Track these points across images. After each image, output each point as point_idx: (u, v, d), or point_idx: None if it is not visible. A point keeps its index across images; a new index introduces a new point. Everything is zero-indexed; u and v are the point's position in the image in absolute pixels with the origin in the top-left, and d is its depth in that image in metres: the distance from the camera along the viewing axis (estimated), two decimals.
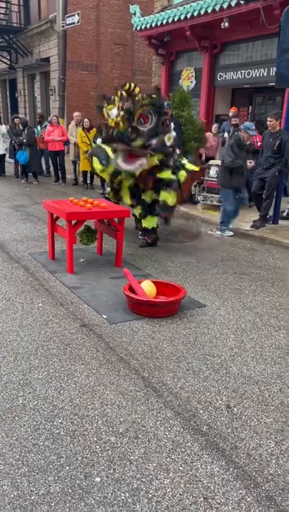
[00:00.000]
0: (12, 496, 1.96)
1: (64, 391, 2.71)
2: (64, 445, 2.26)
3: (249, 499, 1.97)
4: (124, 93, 5.17)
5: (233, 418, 2.52)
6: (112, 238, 5.21)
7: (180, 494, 1.99)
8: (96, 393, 2.70)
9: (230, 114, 8.95)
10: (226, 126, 9.18)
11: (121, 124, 5.09)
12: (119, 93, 5.24)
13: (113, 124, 5.15)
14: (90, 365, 3.01)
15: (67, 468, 2.12)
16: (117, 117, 5.09)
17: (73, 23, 12.33)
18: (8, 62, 20.01)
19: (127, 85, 5.17)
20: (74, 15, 12.24)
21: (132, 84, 5.20)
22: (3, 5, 18.56)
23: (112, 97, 5.31)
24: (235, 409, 2.60)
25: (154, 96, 5.32)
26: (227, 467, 2.16)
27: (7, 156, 12.27)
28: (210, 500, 1.96)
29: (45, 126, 11.66)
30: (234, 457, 2.22)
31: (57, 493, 1.97)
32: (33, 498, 1.95)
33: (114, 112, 5.12)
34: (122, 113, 5.07)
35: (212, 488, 2.03)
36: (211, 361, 3.11)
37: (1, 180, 11.80)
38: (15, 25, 18.89)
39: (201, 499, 1.97)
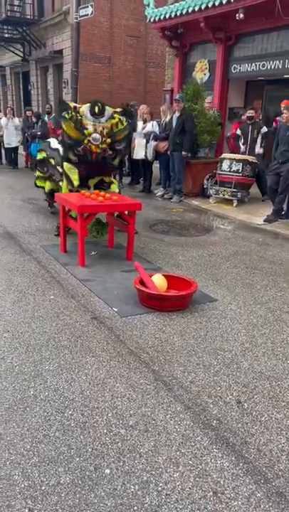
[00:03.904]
0: (23, 485, 1.98)
1: (75, 383, 2.72)
2: (74, 436, 2.28)
3: (259, 494, 1.97)
4: (96, 111, 5.13)
5: (243, 413, 2.51)
6: (123, 231, 5.20)
7: (189, 488, 1.99)
8: (106, 386, 2.71)
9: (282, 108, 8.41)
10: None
11: (107, 149, 5.20)
12: (82, 110, 5.17)
13: (96, 150, 5.14)
14: (100, 357, 3.02)
15: (78, 459, 2.13)
16: (102, 144, 5.13)
17: (86, 14, 12.24)
18: (22, 55, 19.99)
19: (97, 108, 5.13)
20: (87, 6, 12.14)
21: (100, 105, 5.18)
22: None
23: (73, 112, 5.14)
24: (245, 404, 2.59)
25: (126, 111, 5.42)
26: (237, 462, 2.15)
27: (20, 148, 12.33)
28: (219, 494, 1.96)
29: (54, 117, 11.63)
30: (244, 452, 2.22)
31: (67, 484, 1.99)
32: (43, 488, 1.97)
33: (96, 136, 5.09)
34: (108, 140, 5.15)
35: (222, 482, 2.03)
36: (221, 356, 3.10)
37: (13, 173, 11.86)
38: (28, 17, 18.85)
39: (211, 493, 1.96)
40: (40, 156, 6.77)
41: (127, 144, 5.61)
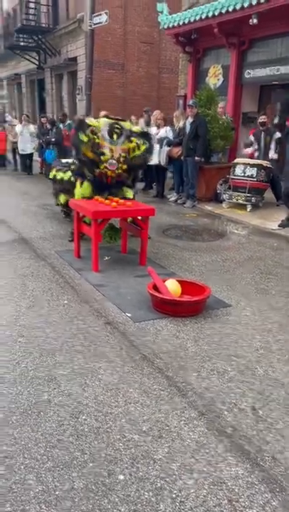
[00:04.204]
0: (37, 490, 1.98)
1: (88, 388, 2.73)
2: (88, 442, 2.28)
3: (274, 503, 1.94)
4: (114, 138, 5.10)
5: (258, 420, 2.48)
6: (137, 237, 5.21)
7: (204, 495, 1.97)
8: (120, 391, 2.71)
9: None
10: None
11: (123, 173, 5.22)
12: (99, 126, 5.12)
13: (111, 174, 5.15)
14: (114, 362, 3.02)
15: (91, 464, 2.13)
16: (118, 169, 5.14)
17: (101, 22, 12.38)
18: (37, 63, 20.27)
19: (115, 135, 5.10)
20: (101, 14, 12.28)
21: (118, 130, 5.13)
22: (33, 5, 18.81)
23: (90, 134, 5.06)
24: (260, 411, 2.56)
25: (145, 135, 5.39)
26: (252, 470, 2.13)
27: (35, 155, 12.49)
28: (234, 502, 1.94)
29: (69, 124, 11.75)
30: (259, 460, 2.19)
31: (81, 489, 1.99)
32: (57, 493, 1.97)
33: (113, 162, 5.07)
34: (124, 166, 5.15)
35: (236, 490, 2.00)
36: (236, 362, 3.08)
37: (28, 179, 12.00)
38: (43, 25, 19.13)
39: (225, 501, 1.94)
40: (51, 175, 6.57)
41: (143, 165, 5.61)
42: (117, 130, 5.12)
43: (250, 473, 2.10)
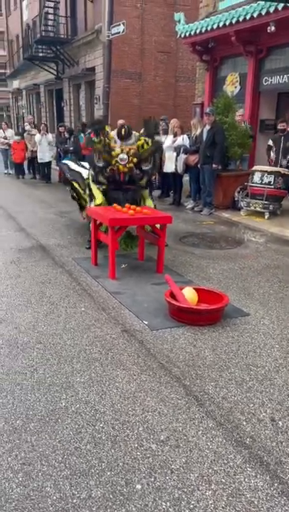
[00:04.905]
0: (54, 498, 1.98)
1: (105, 396, 2.73)
2: (105, 450, 2.27)
3: None
4: (122, 133, 5.45)
5: (277, 431, 2.44)
6: (154, 244, 5.21)
7: (222, 507, 1.94)
8: (137, 399, 2.69)
9: None
10: None
11: (134, 169, 5.43)
12: (111, 135, 5.52)
13: (123, 169, 5.38)
14: (131, 370, 3.02)
15: (109, 473, 2.12)
16: (129, 163, 5.37)
17: (118, 32, 12.52)
18: (55, 73, 20.63)
19: (123, 130, 5.45)
20: (119, 24, 12.43)
21: (126, 128, 5.50)
22: (52, 17, 19.19)
23: (102, 136, 5.43)
24: (280, 422, 2.51)
25: (149, 132, 5.62)
26: (271, 482, 2.09)
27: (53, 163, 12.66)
28: None
29: (89, 133, 11.88)
30: (279, 472, 2.15)
31: (98, 498, 1.98)
32: (74, 501, 1.96)
33: (123, 156, 5.35)
34: (134, 159, 5.38)
35: (255, 502, 1.97)
36: (254, 372, 3.04)
37: (46, 187, 12.16)
38: (62, 36, 19.48)
39: None
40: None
41: (154, 165, 5.80)
42: (124, 130, 5.47)
43: (269, 486, 2.06)
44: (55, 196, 10.37)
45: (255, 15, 8.77)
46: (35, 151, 13.02)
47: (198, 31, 10.58)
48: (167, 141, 9.09)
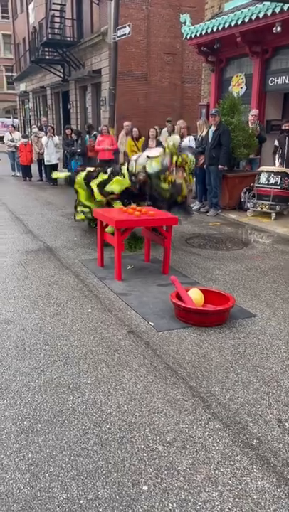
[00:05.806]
0: (61, 498, 1.99)
1: (112, 397, 2.73)
2: (112, 451, 2.28)
3: None
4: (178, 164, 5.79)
5: (284, 433, 2.43)
6: (160, 246, 5.22)
7: (229, 508, 1.94)
8: (144, 400, 2.70)
9: None
10: None
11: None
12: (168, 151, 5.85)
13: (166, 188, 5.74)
14: (137, 372, 3.02)
15: (115, 474, 2.13)
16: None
17: (124, 34, 12.57)
18: (62, 75, 20.71)
19: (180, 159, 5.81)
20: (125, 27, 12.48)
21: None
22: (58, 20, 19.27)
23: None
24: (287, 423, 2.50)
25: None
26: (278, 483, 2.08)
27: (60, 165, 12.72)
28: None
29: (94, 135, 11.93)
30: (286, 474, 2.14)
31: (105, 499, 1.98)
32: (81, 502, 1.97)
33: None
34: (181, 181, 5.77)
35: (262, 504, 1.96)
36: (261, 373, 3.03)
37: (53, 189, 12.21)
38: (68, 39, 19.56)
39: None
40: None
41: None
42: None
43: (276, 487, 2.06)
44: (61, 198, 10.41)
45: (260, 15, 8.75)
46: (42, 154, 13.09)
47: (203, 32, 10.58)
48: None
